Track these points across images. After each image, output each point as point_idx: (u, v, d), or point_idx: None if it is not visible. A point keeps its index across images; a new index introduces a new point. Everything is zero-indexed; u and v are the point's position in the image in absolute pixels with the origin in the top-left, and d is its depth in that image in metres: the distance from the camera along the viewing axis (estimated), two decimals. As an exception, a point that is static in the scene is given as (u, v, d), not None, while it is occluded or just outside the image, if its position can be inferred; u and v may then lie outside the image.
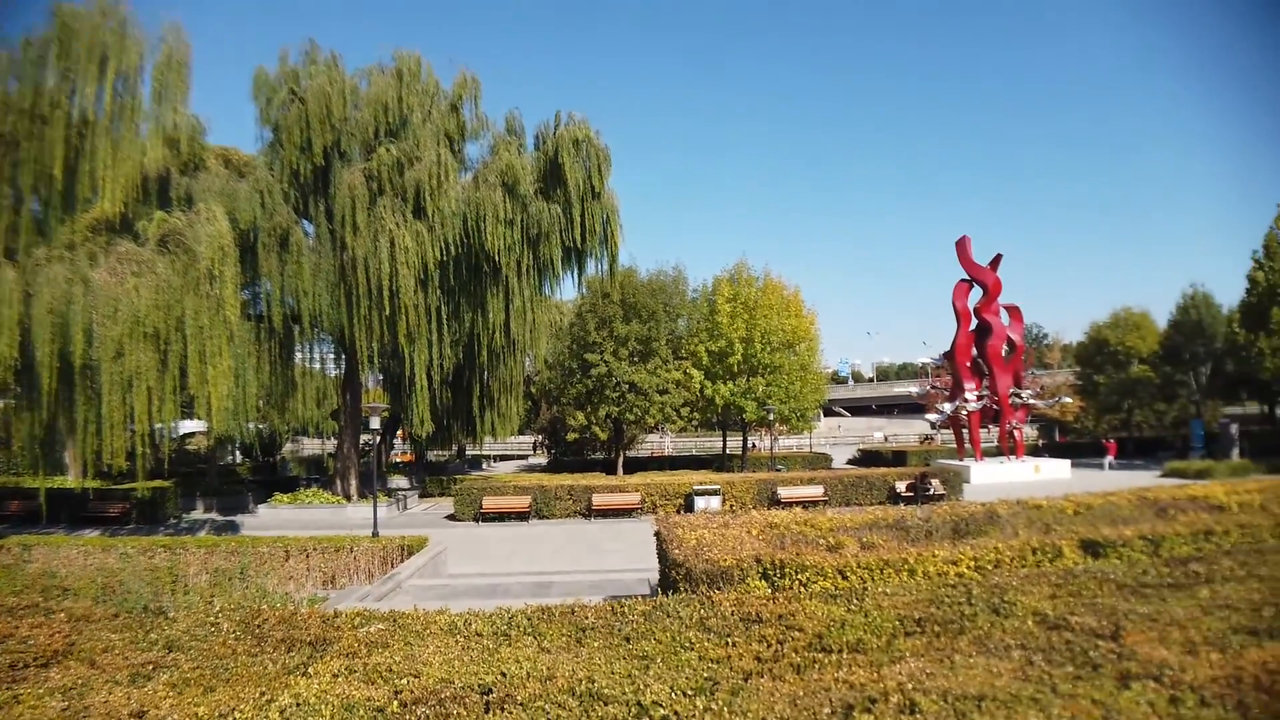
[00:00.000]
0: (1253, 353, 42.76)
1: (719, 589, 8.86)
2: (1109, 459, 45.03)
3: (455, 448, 55.51)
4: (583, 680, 5.37)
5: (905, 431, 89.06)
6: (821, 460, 51.69)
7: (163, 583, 14.91)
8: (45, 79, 21.55)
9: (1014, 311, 42.75)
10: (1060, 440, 59.45)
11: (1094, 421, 59.04)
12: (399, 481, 43.42)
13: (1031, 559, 10.10)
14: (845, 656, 5.92)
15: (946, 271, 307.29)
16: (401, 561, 18.06)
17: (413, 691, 5.32)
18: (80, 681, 5.85)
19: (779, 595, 7.97)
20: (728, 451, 55.01)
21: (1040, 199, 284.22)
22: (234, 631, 7.19)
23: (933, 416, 44.75)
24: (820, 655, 5.97)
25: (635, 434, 53.64)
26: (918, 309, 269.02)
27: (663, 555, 11.59)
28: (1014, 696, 4.81)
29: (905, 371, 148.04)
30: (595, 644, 6.53)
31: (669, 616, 7.12)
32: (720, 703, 4.91)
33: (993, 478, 37.45)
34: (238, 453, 56.11)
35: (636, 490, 30.72)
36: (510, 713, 4.94)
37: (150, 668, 6.20)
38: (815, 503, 28.74)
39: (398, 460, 57.58)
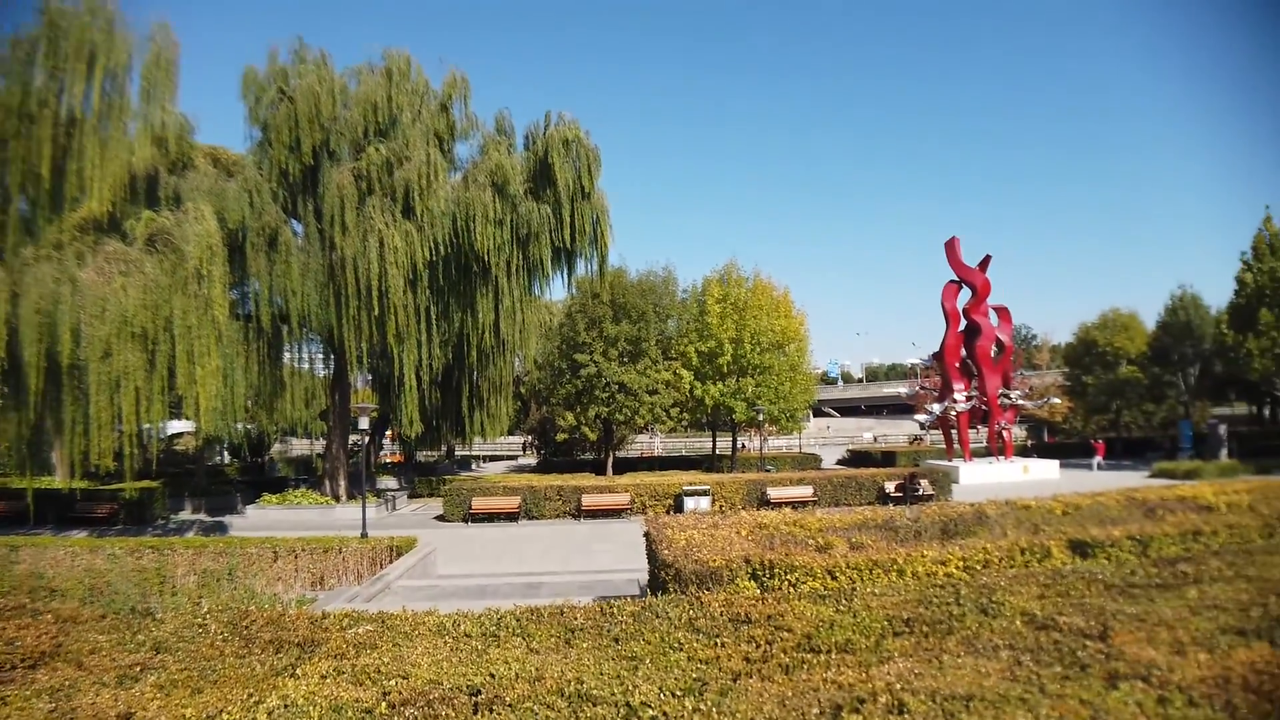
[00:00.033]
0: (1241, 354, 42.93)
1: (708, 589, 8.86)
2: (1097, 459, 45.19)
3: (444, 448, 55.41)
4: (571, 681, 5.36)
5: (894, 432, 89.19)
6: (811, 461, 51.73)
7: (150, 584, 14.80)
8: (33, 77, 21.37)
9: (1002, 312, 42.92)
10: (1049, 441, 59.59)
11: (1082, 422, 59.21)
12: (388, 482, 43.26)
13: (1020, 559, 10.13)
14: (834, 657, 5.93)
15: (936, 272, 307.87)
16: (390, 562, 17.99)
17: (401, 693, 5.30)
18: (67, 683, 5.82)
19: (768, 596, 7.97)
20: (717, 452, 55.04)
21: (1029, 201, 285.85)
22: (222, 633, 7.15)
23: (922, 417, 44.80)
24: (809, 656, 5.97)
25: (625, 434, 53.68)
26: (907, 310, 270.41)
27: (652, 556, 11.57)
28: (1002, 696, 4.82)
29: (894, 372, 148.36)
30: (584, 645, 6.52)
31: (658, 617, 7.12)
32: (709, 703, 4.91)
33: (981, 478, 37.59)
34: (226, 453, 55.88)
35: (626, 491, 30.70)
36: (499, 714, 4.93)
37: (138, 669, 6.17)
38: (804, 503, 28.81)
39: (387, 461, 57.37)
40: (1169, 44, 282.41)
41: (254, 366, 29.32)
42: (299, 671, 5.99)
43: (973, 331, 41.72)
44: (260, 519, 30.56)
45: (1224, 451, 42.42)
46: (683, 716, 4.76)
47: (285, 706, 5.12)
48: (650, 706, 4.89)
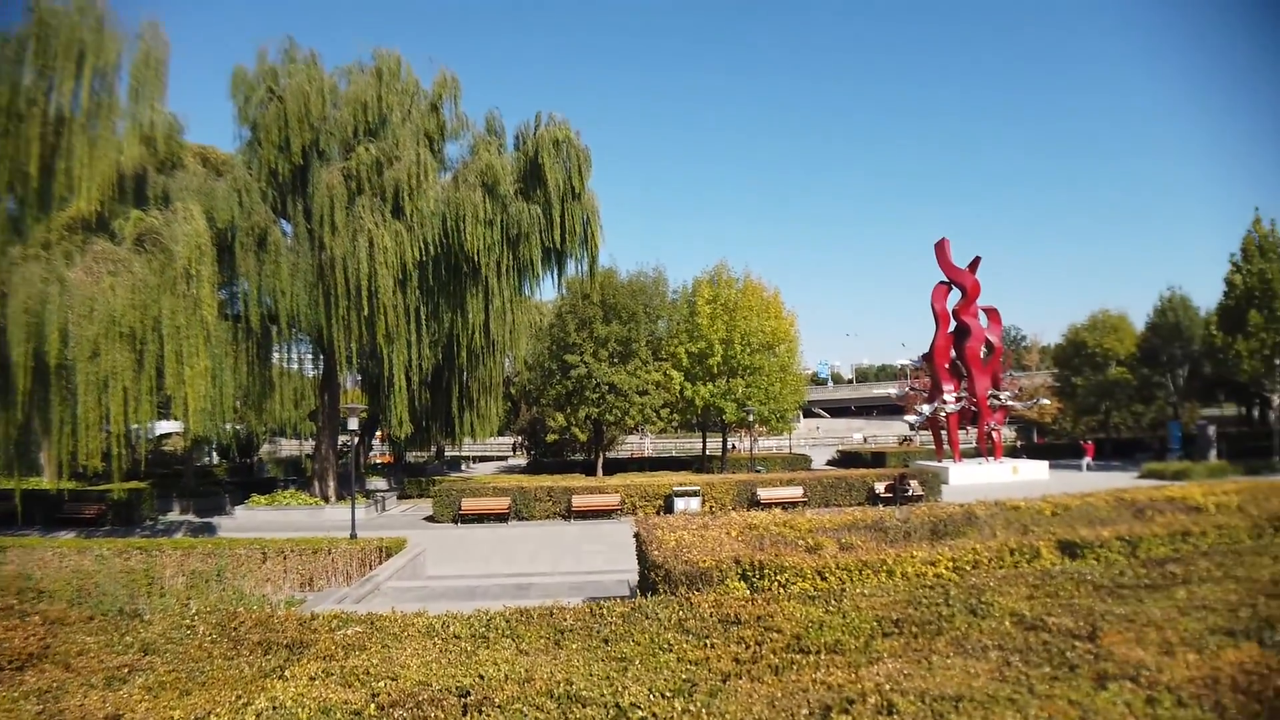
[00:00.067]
0: (1230, 355, 43.11)
1: (698, 590, 8.86)
2: (1087, 460, 45.29)
3: (434, 449, 55.38)
4: (561, 682, 5.35)
5: (884, 433, 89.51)
6: (801, 461, 51.88)
7: (138, 585, 14.76)
8: (22, 76, 21.23)
9: (992, 314, 43.06)
10: (1038, 441, 59.84)
11: (1072, 423, 59.49)
12: (377, 483, 43.23)
13: (1009, 560, 10.16)
14: (823, 658, 5.93)
15: (926, 274, 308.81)
16: (380, 563, 17.95)
17: (390, 694, 5.28)
18: (55, 684, 5.79)
19: (758, 596, 7.98)
20: (707, 453, 55.03)
21: (1018, 202, 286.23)
22: (210, 634, 7.12)
23: (911, 418, 44.88)
24: (798, 656, 5.97)
25: (615, 435, 53.65)
26: (897, 311, 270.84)
27: (642, 557, 11.58)
28: (991, 697, 4.83)
29: (884, 373, 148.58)
30: (574, 646, 6.51)
31: (648, 618, 7.11)
32: (698, 704, 4.91)
33: (971, 479, 37.65)
34: (215, 454, 55.67)
35: (616, 491, 30.71)
36: (488, 715, 4.91)
37: (126, 671, 6.14)
38: (794, 504, 28.83)
39: (376, 461, 57.33)
40: (1159, 46, 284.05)
41: (243, 367, 29.26)
42: (288, 673, 5.97)
43: (962, 333, 41.85)
44: (249, 520, 30.47)
45: (1213, 452, 42.60)
46: (672, 717, 4.75)
47: (274, 708, 5.10)
48: (640, 708, 4.88)
